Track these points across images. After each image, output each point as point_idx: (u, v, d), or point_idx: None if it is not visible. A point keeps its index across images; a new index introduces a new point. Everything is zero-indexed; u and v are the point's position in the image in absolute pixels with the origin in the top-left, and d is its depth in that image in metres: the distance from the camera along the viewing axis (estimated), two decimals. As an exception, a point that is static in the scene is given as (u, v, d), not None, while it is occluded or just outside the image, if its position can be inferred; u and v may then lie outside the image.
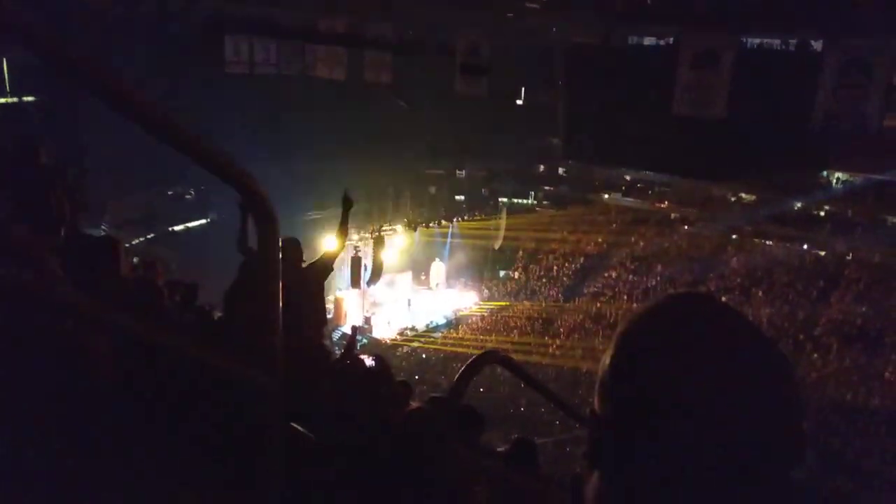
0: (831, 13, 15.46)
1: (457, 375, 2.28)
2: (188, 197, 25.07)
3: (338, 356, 4.34)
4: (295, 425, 1.93)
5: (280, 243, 1.59)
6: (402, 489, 1.90)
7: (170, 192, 24.84)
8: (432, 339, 25.01)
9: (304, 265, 4.28)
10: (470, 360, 2.21)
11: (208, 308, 4.99)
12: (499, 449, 3.51)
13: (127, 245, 21.04)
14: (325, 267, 4.43)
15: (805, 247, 26.24)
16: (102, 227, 21.86)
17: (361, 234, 25.90)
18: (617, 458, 0.73)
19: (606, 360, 0.77)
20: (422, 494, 1.88)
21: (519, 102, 30.86)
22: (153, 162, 20.49)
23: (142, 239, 21.80)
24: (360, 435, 2.20)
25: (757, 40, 18.65)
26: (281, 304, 1.65)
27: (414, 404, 2.67)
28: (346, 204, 4.50)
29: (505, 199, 32.92)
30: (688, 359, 0.71)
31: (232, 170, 1.01)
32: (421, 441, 2.12)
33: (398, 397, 3.29)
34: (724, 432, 0.68)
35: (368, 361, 2.49)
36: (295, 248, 4.17)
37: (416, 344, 24.41)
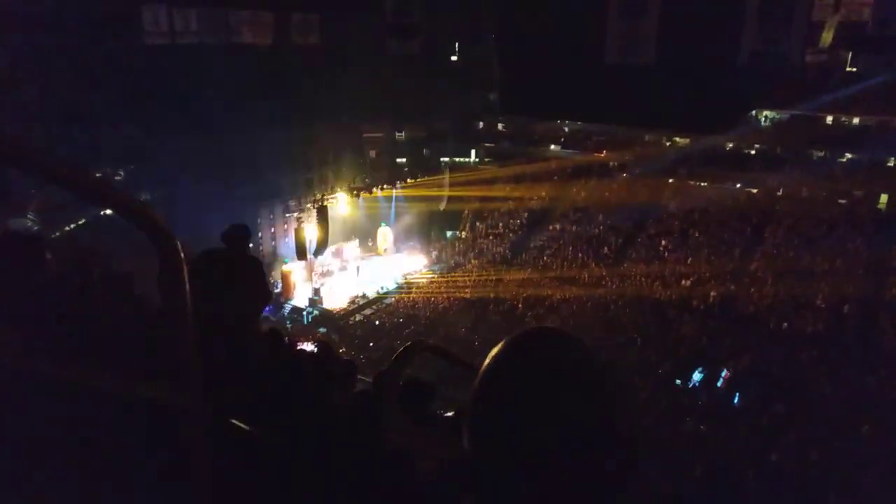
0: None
1: (385, 369, 2.28)
2: (118, 178, 24.06)
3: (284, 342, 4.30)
4: (235, 421, 1.91)
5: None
6: (347, 474, 1.92)
7: (98, 174, 23.68)
8: (385, 305, 25.01)
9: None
10: (397, 352, 2.22)
11: (146, 298, 4.84)
12: (447, 414, 3.57)
13: (57, 234, 20.13)
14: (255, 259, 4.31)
15: (738, 185, 27.18)
16: (28, 215, 20.83)
17: (304, 205, 25.45)
18: (482, 486, 0.83)
19: (472, 395, 0.81)
20: (367, 478, 1.90)
21: (454, 59, 30.59)
22: (81, 143, 19.54)
23: (72, 226, 20.90)
24: (305, 423, 2.20)
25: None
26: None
27: (359, 385, 2.68)
28: None
29: (446, 159, 32.78)
30: (537, 399, 0.76)
31: (129, 202, 0.98)
32: (365, 424, 2.14)
33: (343, 379, 3.31)
34: (568, 464, 0.77)
35: (310, 348, 2.48)
36: (242, 237, 4.05)
37: (368, 311, 24.37)
